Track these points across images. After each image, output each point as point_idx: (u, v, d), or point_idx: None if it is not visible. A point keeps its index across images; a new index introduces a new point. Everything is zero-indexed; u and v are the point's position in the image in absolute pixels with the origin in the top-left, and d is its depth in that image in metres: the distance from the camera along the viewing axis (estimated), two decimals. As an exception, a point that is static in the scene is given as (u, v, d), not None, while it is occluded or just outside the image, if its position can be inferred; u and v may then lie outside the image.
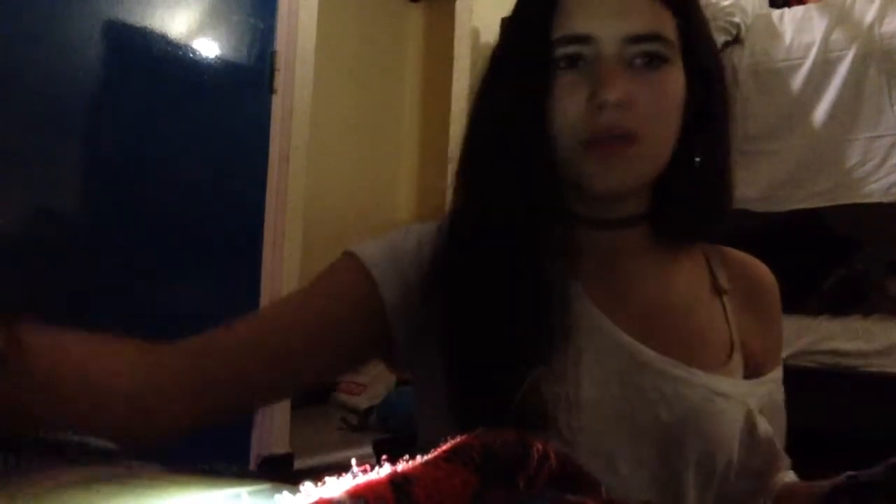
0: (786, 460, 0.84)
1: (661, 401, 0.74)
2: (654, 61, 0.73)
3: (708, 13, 2.82)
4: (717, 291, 0.84)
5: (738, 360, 0.81)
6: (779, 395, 0.84)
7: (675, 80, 0.75)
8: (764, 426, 0.79)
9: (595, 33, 0.72)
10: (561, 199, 0.77)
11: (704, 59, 0.78)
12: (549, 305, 0.74)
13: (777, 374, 0.85)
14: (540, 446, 0.41)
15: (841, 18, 2.39)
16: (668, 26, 0.74)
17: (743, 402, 0.78)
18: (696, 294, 0.83)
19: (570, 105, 0.73)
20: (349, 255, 0.79)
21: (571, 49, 0.73)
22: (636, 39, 0.73)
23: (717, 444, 0.76)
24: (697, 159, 0.77)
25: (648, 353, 0.75)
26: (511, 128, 0.75)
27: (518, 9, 0.79)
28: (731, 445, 0.77)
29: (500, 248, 0.74)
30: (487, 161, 0.77)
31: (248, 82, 2.67)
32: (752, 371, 0.82)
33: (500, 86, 0.78)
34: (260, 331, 0.76)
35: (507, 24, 0.80)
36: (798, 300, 2.28)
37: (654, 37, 0.73)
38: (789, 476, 0.83)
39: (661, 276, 0.81)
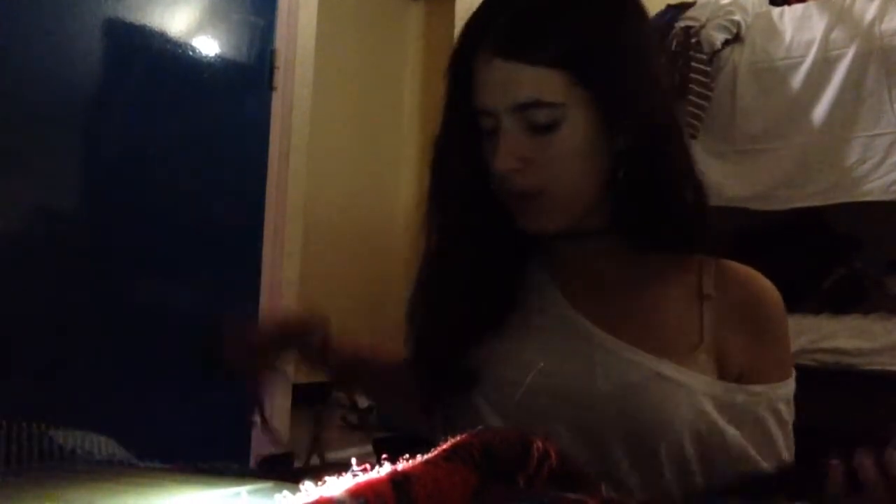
0: None
1: (602, 373, 0.79)
2: (548, 125, 0.79)
3: (708, 11, 2.81)
4: (700, 296, 0.85)
5: (703, 359, 0.81)
6: (766, 412, 0.82)
7: (569, 136, 0.79)
8: (728, 431, 0.78)
9: (490, 106, 0.80)
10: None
11: (623, 93, 0.80)
12: (504, 271, 0.86)
13: (768, 390, 0.82)
14: (540, 445, 0.41)
15: (841, 17, 2.38)
16: (551, 87, 0.78)
17: (692, 393, 0.78)
18: (669, 293, 0.86)
19: (490, 167, 0.82)
20: None
21: (483, 121, 0.82)
22: (521, 108, 0.79)
23: (654, 426, 0.77)
24: (621, 175, 0.81)
25: (601, 334, 0.82)
26: (459, 173, 0.86)
27: (448, 67, 0.86)
28: (677, 434, 0.77)
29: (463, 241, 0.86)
30: (448, 198, 0.88)
31: (247, 80, 2.67)
32: (733, 379, 0.82)
33: (447, 144, 0.88)
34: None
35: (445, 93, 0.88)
36: (798, 299, 2.28)
37: (535, 104, 0.78)
38: None
39: (630, 277, 0.86)
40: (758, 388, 0.82)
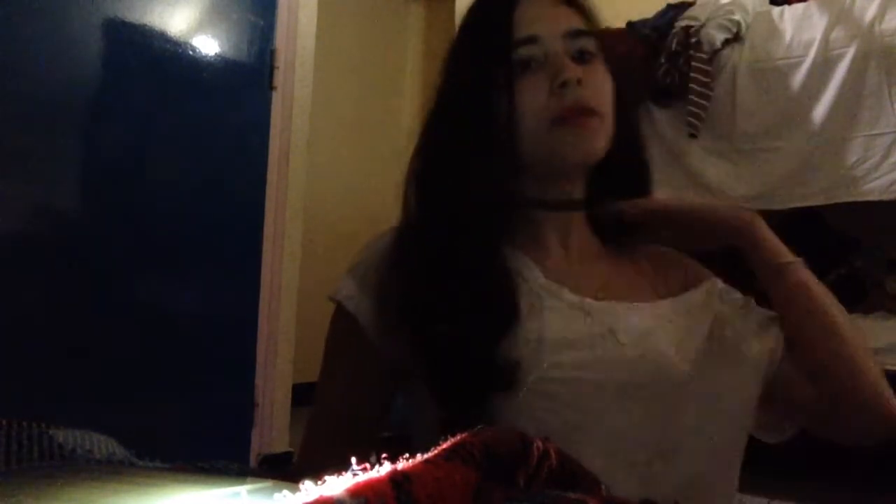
0: None
1: (616, 329, 0.83)
2: (588, 55, 0.87)
3: (708, 11, 2.81)
4: (637, 257, 0.96)
5: (667, 294, 0.92)
6: (718, 296, 0.91)
7: (602, 70, 0.88)
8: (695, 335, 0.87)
9: (540, 33, 0.86)
10: (522, 185, 0.88)
11: (608, 58, 0.90)
12: (511, 284, 0.83)
13: (706, 284, 0.93)
14: (540, 444, 0.41)
15: (841, 16, 2.38)
16: (586, 23, 0.90)
17: (681, 313, 0.87)
18: (625, 257, 0.95)
19: (534, 95, 0.84)
20: (336, 307, 0.89)
21: (523, 51, 0.85)
22: (574, 34, 0.87)
23: (677, 345, 0.83)
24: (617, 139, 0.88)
25: (590, 303, 0.85)
26: (476, 125, 0.86)
27: (475, 16, 0.91)
28: (689, 344, 0.84)
29: (467, 235, 0.83)
30: (454, 155, 0.87)
31: (247, 80, 2.67)
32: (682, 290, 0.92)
33: (462, 86, 0.89)
34: (337, 425, 0.91)
35: (466, 30, 0.92)
36: (798, 298, 2.27)
37: (586, 32, 0.88)
38: None
39: (594, 248, 0.94)
40: (699, 286, 0.92)
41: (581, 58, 0.86)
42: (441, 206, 0.86)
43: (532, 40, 0.86)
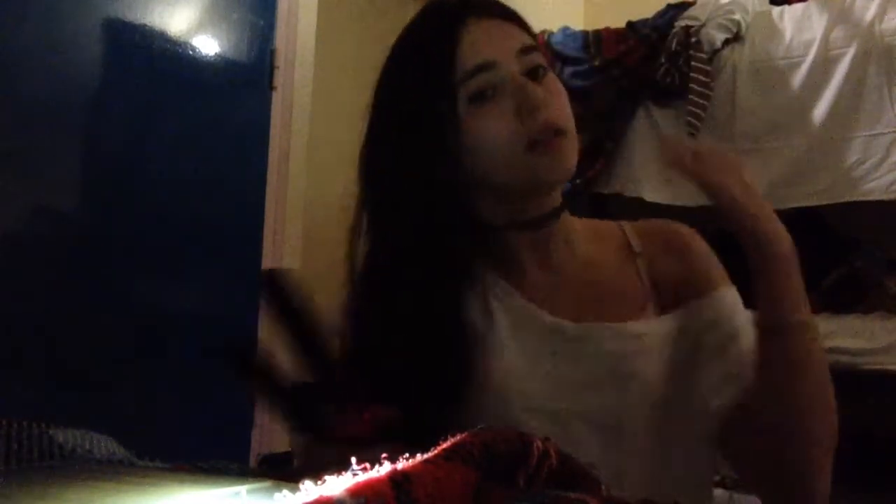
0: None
1: (588, 358, 0.84)
2: (543, 69, 0.85)
3: (708, 11, 2.81)
4: (632, 253, 0.93)
5: (652, 307, 0.90)
6: (704, 326, 0.87)
7: (556, 80, 0.87)
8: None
9: (494, 58, 0.83)
10: (492, 211, 0.87)
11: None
12: (467, 343, 0.82)
13: (702, 302, 0.88)
14: (539, 444, 0.41)
15: (841, 16, 2.39)
16: (530, 37, 0.88)
17: (660, 336, 0.86)
18: (612, 259, 0.93)
19: (499, 124, 0.83)
20: None
21: (479, 79, 0.83)
22: (526, 51, 0.85)
23: (647, 378, 0.84)
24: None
25: (567, 326, 0.86)
26: (440, 160, 0.83)
27: (416, 48, 0.89)
28: (661, 376, 0.84)
29: (426, 281, 0.83)
30: (417, 197, 0.84)
31: (247, 80, 2.67)
32: (674, 303, 0.89)
33: (408, 126, 0.86)
34: None
35: (409, 57, 0.90)
36: (798, 298, 2.27)
37: (535, 47, 0.87)
38: None
39: (583, 254, 0.92)
40: (693, 302, 0.88)
41: (536, 74, 0.85)
42: (409, 249, 0.84)
43: (488, 66, 0.83)
